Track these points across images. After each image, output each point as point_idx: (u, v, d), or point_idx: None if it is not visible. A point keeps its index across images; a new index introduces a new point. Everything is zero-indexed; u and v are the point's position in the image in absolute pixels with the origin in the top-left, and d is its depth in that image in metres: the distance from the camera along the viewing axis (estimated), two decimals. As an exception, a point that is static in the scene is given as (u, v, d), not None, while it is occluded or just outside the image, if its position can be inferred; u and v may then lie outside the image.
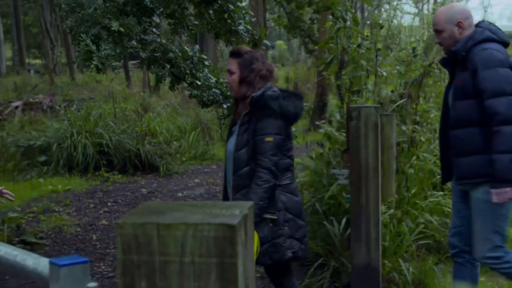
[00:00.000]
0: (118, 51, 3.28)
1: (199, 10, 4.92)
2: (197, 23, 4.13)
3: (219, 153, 12.85)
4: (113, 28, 3.21)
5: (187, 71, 4.81)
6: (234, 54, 3.81)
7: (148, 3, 3.47)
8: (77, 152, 10.94)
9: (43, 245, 6.65)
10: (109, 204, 8.74)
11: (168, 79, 4.88)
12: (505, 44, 3.97)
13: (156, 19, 4.33)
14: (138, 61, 4.54)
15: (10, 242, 6.56)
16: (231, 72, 3.77)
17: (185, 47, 4.77)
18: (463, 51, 3.88)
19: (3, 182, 10.41)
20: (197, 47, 4.80)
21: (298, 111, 3.77)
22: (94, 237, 7.01)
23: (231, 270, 1.02)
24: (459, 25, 3.95)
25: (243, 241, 1.06)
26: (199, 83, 4.84)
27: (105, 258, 6.28)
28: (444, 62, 4.10)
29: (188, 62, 4.78)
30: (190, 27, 3.84)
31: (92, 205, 8.67)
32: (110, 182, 10.33)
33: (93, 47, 3.20)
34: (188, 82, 4.98)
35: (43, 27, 33.69)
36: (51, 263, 1.39)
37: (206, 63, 5.07)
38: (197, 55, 4.88)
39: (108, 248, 6.59)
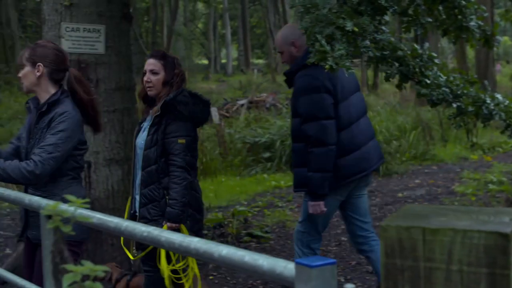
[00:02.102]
0: (351, 50, 3.31)
1: (428, 7, 4.78)
2: (430, 20, 4.02)
3: (440, 154, 12.44)
4: (347, 28, 3.23)
5: (416, 69, 4.70)
6: (158, 56, 4.13)
7: (383, 1, 3.45)
8: (299, 150, 11.22)
9: (268, 239, 6.89)
10: (329, 201, 8.85)
11: (396, 78, 4.81)
12: None
13: (386, 17, 4.28)
14: (358, 60, 4.52)
15: (238, 234, 6.91)
16: (154, 73, 4.05)
17: (414, 44, 4.67)
18: (290, 75, 4.35)
19: (230, 177, 11.02)
20: (427, 44, 4.67)
21: (205, 115, 4.17)
22: (316, 233, 7.14)
23: (503, 282, 0.96)
24: (294, 44, 4.36)
25: (515, 252, 0.99)
26: (428, 81, 4.71)
27: (327, 255, 6.36)
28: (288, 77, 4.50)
29: (418, 60, 4.66)
30: (423, 25, 3.75)
31: (313, 202, 8.84)
32: (330, 180, 10.47)
33: (328, 47, 3.25)
34: (417, 80, 4.87)
35: (267, 28, 35.08)
36: (298, 263, 1.41)
37: (436, 61, 4.93)
38: (427, 52, 4.75)
39: (330, 246, 6.68)
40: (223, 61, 48.35)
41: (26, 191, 3.56)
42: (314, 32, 3.35)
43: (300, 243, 4.52)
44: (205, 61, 49.67)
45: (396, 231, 1.03)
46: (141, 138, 4.12)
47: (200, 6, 48.31)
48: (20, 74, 3.62)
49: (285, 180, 10.34)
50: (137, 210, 4.16)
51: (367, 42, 3.47)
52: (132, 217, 4.21)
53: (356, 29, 3.28)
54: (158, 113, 3.98)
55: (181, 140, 3.98)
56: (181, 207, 3.92)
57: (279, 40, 4.45)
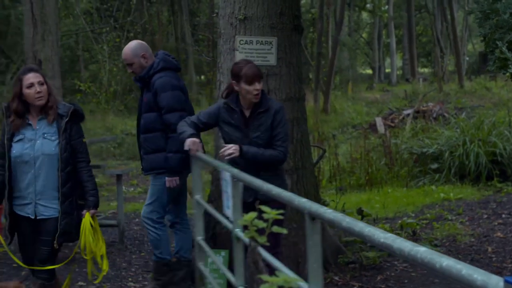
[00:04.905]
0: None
1: None
2: None
3: None
4: (532, 34, 3.07)
5: None
6: (36, 70, 4.65)
7: None
8: (469, 161, 10.79)
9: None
10: (503, 216, 8.42)
11: None
12: (178, 69, 5.51)
13: None
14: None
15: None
16: (42, 84, 4.56)
17: None
18: (146, 77, 5.32)
19: (397, 188, 10.83)
20: None
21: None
22: (489, 249, 6.82)
23: None
24: (144, 56, 5.37)
25: None
26: None
27: (502, 272, 6.06)
28: (136, 82, 5.50)
29: None
30: None
31: (485, 216, 8.46)
32: (504, 193, 9.94)
33: (509, 54, 3.11)
34: None
35: (433, 36, 34.16)
36: (507, 282, 1.37)
37: None
38: None
39: (505, 262, 6.35)
40: (387, 70, 47.70)
41: (258, 175, 4.31)
42: (493, 39, 3.22)
43: (151, 222, 5.44)
44: (369, 71, 49.27)
45: None
46: (46, 145, 4.56)
47: (364, 15, 48.04)
48: (261, 86, 4.61)
49: (455, 192, 9.98)
50: (38, 213, 4.60)
51: (553, 48, 3.26)
52: (36, 222, 4.64)
53: (541, 35, 3.10)
54: (67, 119, 4.60)
55: (84, 140, 4.73)
56: (96, 197, 4.70)
57: (129, 53, 5.36)
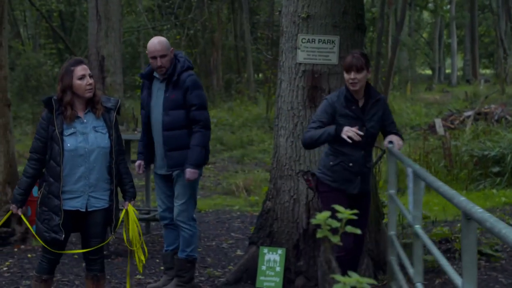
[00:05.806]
0: None
1: None
2: None
3: None
4: None
5: None
6: (85, 62, 4.67)
7: None
8: (533, 165, 10.51)
9: (499, 258, 6.53)
10: None
11: None
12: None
13: None
14: None
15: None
16: (91, 76, 4.59)
17: None
18: (175, 74, 5.42)
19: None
20: None
21: None
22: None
23: None
24: (172, 52, 5.50)
25: None
26: None
27: None
28: (143, 78, 5.70)
29: None
30: None
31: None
32: None
33: None
34: None
35: (497, 37, 33.37)
36: None
37: None
38: None
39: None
40: (448, 71, 46.84)
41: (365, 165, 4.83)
42: None
43: (186, 220, 5.54)
44: (429, 71, 48.49)
45: None
46: (100, 138, 4.56)
47: (425, 15, 47.29)
48: (360, 77, 4.69)
49: (516, 197, 9.75)
50: (89, 205, 4.57)
51: None
52: (85, 214, 4.59)
53: None
54: (115, 113, 4.68)
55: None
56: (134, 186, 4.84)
57: (164, 46, 5.43)
